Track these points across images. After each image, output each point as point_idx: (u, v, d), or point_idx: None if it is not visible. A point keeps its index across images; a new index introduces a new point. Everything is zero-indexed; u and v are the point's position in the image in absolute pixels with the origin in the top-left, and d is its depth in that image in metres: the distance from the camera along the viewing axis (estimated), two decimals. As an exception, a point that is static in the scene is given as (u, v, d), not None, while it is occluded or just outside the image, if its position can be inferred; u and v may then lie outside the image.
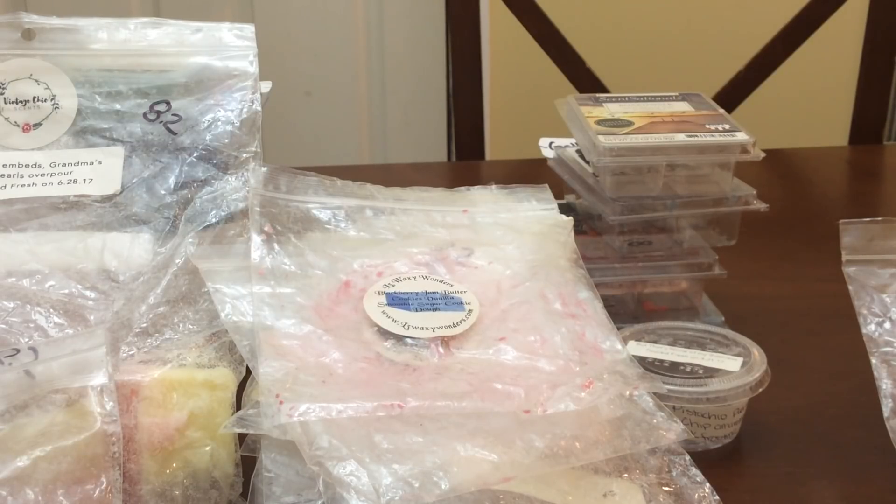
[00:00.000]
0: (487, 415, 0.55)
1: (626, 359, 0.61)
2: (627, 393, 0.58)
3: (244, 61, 0.74)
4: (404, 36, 2.01)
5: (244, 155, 0.72)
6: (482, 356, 0.60)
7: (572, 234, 0.70)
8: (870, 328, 0.68)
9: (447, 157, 2.07)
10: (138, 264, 0.66)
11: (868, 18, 1.38)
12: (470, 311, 0.62)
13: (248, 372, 0.59)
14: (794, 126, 1.97)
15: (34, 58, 0.72)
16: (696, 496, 0.57)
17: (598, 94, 0.90)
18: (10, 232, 0.67)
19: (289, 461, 0.55)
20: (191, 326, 0.63)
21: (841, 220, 0.71)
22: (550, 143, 0.93)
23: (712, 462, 0.65)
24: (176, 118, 0.72)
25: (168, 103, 0.72)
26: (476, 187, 0.72)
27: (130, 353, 0.60)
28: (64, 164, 0.70)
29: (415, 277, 0.65)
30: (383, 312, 0.61)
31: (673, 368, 0.69)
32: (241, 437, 0.59)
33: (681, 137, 0.80)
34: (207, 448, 0.58)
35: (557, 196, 0.74)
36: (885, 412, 0.66)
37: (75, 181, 0.70)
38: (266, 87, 0.78)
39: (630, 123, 0.83)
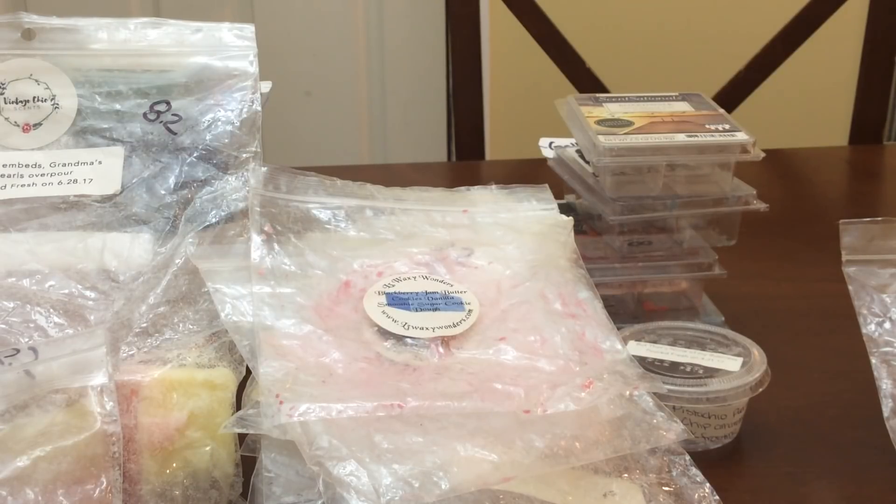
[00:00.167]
0: (487, 415, 0.55)
1: (626, 359, 0.61)
2: (627, 393, 0.58)
3: (244, 61, 0.74)
4: (404, 36, 2.01)
5: (244, 155, 0.72)
6: (482, 356, 0.60)
7: (572, 234, 0.70)
8: (870, 328, 0.68)
9: (447, 157, 2.07)
10: (138, 264, 0.66)
11: (868, 18, 1.38)
12: (470, 311, 0.62)
13: (248, 372, 0.59)
14: (794, 126, 1.97)
15: (34, 58, 0.72)
16: (696, 496, 0.57)
17: (598, 94, 0.90)
18: (10, 232, 0.67)
19: (289, 461, 0.55)
20: (191, 326, 0.63)
21: (841, 220, 0.71)
22: (550, 143, 0.93)
23: (712, 462, 0.65)
24: (176, 118, 0.72)
25: (168, 103, 0.72)
26: (476, 187, 0.72)
27: (130, 353, 0.60)
28: (64, 164, 0.70)
29: (415, 277, 0.65)
30: (383, 312, 0.61)
31: (673, 368, 0.69)
32: (241, 437, 0.59)
33: (681, 137, 0.80)
34: (207, 448, 0.58)
35: (557, 196, 0.74)
36: (885, 412, 0.66)
37: (75, 181, 0.70)
38: (266, 87, 0.78)
39: (630, 123, 0.83)
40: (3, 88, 0.72)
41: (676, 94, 0.90)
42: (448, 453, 0.52)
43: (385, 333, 0.60)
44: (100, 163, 0.71)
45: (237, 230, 0.67)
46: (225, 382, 0.59)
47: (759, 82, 1.41)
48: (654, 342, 0.72)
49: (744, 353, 0.71)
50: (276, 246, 0.64)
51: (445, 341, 0.61)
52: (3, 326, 0.62)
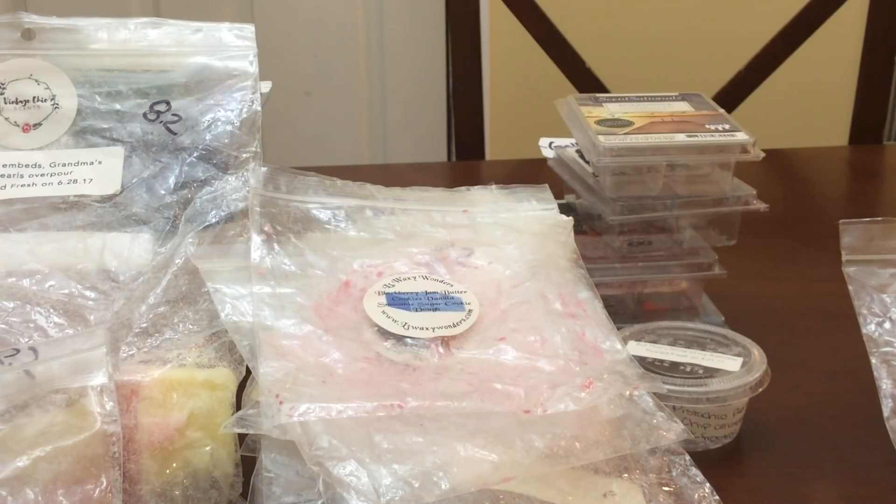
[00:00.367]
0: (487, 415, 0.55)
1: (626, 359, 0.61)
2: (627, 393, 0.58)
3: (244, 61, 0.74)
4: (404, 36, 2.01)
5: (244, 155, 0.72)
6: (482, 356, 0.60)
7: (572, 234, 0.70)
8: (870, 328, 0.68)
9: (447, 157, 2.07)
10: (138, 264, 0.66)
11: (868, 18, 1.38)
12: (470, 311, 0.62)
13: (248, 372, 0.59)
14: (794, 126, 1.97)
15: (34, 58, 0.72)
16: (696, 496, 0.57)
17: (598, 94, 0.90)
18: (10, 232, 0.67)
19: (289, 461, 0.55)
20: (191, 326, 0.63)
21: (841, 220, 0.71)
22: (550, 143, 0.93)
23: (712, 462, 0.65)
24: (176, 118, 0.72)
25: (168, 103, 0.72)
26: (476, 187, 0.72)
27: (130, 353, 0.60)
28: (64, 164, 0.70)
29: (415, 277, 0.65)
30: (383, 312, 0.61)
31: (673, 368, 0.69)
32: (241, 437, 0.59)
33: (681, 137, 0.80)
34: (207, 448, 0.58)
35: (557, 196, 0.74)
36: (885, 412, 0.66)
37: (75, 181, 0.70)
38: (266, 87, 0.78)
39: (630, 123, 0.83)
40: (3, 88, 0.72)
41: (676, 94, 0.90)
42: (448, 453, 0.52)
43: (385, 333, 0.60)
44: (100, 163, 0.71)
45: (237, 230, 0.67)
46: (225, 382, 0.59)
47: (759, 82, 1.41)
48: (654, 342, 0.72)
49: (744, 353, 0.71)
50: (276, 246, 0.64)
51: (445, 341, 0.61)
52: (3, 326, 0.62)
